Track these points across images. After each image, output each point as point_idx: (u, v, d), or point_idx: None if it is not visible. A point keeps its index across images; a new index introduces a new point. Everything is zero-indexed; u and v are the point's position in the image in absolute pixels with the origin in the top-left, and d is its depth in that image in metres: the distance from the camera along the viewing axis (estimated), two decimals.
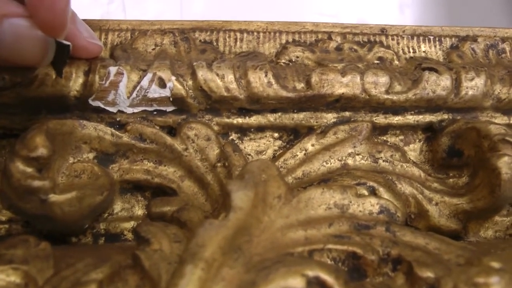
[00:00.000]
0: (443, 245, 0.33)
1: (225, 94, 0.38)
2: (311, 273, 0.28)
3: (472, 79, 0.41)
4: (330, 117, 0.40)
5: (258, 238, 0.31)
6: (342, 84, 0.39)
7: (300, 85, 0.38)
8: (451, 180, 0.41)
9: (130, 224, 0.38)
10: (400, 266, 0.32)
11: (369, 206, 0.35)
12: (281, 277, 0.28)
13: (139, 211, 0.39)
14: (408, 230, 0.34)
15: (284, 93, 0.38)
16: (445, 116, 0.41)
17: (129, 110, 0.38)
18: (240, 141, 0.40)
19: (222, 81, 0.38)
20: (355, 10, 0.60)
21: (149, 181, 0.38)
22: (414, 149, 0.42)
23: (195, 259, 0.28)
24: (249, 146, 0.40)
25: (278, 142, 0.40)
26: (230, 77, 0.38)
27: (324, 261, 0.30)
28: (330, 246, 0.32)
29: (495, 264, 0.30)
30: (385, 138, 0.41)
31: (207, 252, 0.28)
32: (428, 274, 0.31)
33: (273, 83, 0.38)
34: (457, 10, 0.62)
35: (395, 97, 0.39)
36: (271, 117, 0.39)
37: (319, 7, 0.56)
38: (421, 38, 0.44)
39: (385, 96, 0.39)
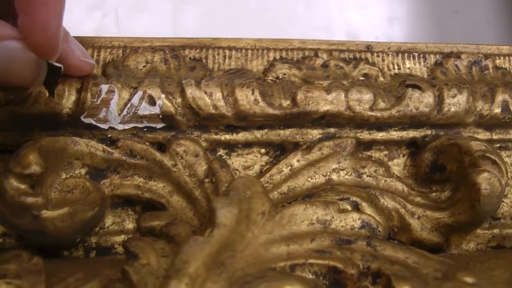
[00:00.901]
0: (422, 259, 0.34)
1: (213, 111, 0.39)
2: None
3: (454, 96, 0.42)
4: (315, 133, 0.41)
5: (241, 253, 0.32)
6: (327, 102, 0.40)
7: (286, 103, 0.40)
8: (434, 194, 0.42)
9: (121, 238, 0.39)
10: (379, 280, 0.33)
11: (351, 221, 0.36)
12: None
13: (130, 225, 0.40)
14: (389, 245, 0.35)
15: (270, 111, 0.39)
16: (428, 132, 0.42)
17: (120, 127, 0.39)
18: (228, 157, 0.41)
19: (210, 98, 0.39)
20: (344, 23, 0.61)
21: (139, 196, 0.39)
22: (398, 164, 0.43)
23: (180, 274, 0.29)
24: (236, 161, 0.41)
25: (265, 158, 0.41)
26: (218, 95, 0.39)
27: (305, 276, 0.31)
28: (311, 261, 0.33)
29: (469, 279, 0.31)
30: (369, 153, 0.43)
31: (191, 268, 0.29)
32: (406, 287, 0.32)
33: (260, 100, 0.39)
34: (445, 24, 0.63)
35: (379, 114, 0.40)
36: (258, 134, 0.40)
37: (309, 21, 0.57)
38: (405, 54, 0.45)
39: (369, 113, 0.40)
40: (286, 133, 0.41)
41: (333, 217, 0.35)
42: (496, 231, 0.42)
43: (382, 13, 0.62)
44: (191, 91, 0.39)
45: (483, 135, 0.44)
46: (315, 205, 0.35)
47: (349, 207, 0.38)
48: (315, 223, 0.35)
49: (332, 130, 0.41)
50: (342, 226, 0.35)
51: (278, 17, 0.57)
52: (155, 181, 0.39)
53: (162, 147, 0.40)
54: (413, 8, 0.64)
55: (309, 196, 0.39)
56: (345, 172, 0.40)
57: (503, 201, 0.44)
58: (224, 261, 0.31)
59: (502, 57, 0.47)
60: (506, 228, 0.43)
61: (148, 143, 0.40)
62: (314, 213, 0.35)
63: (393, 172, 0.42)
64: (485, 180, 0.38)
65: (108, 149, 0.39)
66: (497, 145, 0.45)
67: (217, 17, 0.57)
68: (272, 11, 0.58)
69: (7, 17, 0.36)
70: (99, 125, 0.39)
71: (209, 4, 0.59)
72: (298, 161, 0.40)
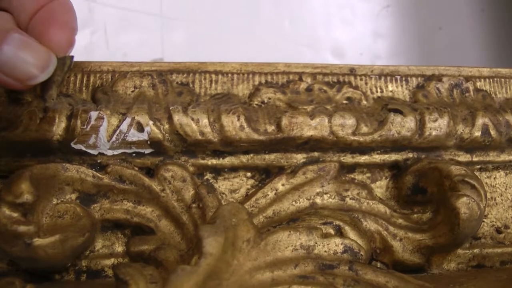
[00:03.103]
0: (402, 283, 0.36)
1: (200, 138, 0.40)
2: None
3: (435, 120, 0.43)
4: (299, 157, 0.42)
5: (227, 281, 0.33)
6: (310, 127, 0.41)
7: (271, 128, 0.41)
8: (415, 215, 0.43)
9: (111, 261, 0.40)
10: None
11: (334, 246, 0.37)
12: None
13: (119, 248, 0.41)
14: (370, 269, 0.36)
15: (255, 136, 0.40)
16: (410, 155, 0.44)
17: (109, 153, 0.40)
18: (215, 181, 0.42)
19: (197, 125, 0.40)
20: (330, 39, 0.62)
21: (129, 220, 0.40)
22: (381, 186, 0.44)
23: None
24: (223, 185, 0.42)
25: (251, 181, 0.42)
26: (204, 121, 0.40)
27: None
28: (295, 286, 0.34)
29: None
30: (353, 176, 0.44)
31: None
32: None
33: (245, 126, 0.40)
34: (429, 40, 0.65)
35: (361, 139, 0.42)
36: (244, 158, 0.41)
37: (295, 37, 0.58)
38: (388, 78, 0.46)
39: (352, 138, 0.42)
40: (271, 158, 0.42)
41: (316, 243, 0.36)
42: (476, 250, 0.44)
43: (367, 29, 0.64)
44: (178, 118, 0.40)
45: (464, 157, 0.45)
46: (299, 231, 0.37)
47: (332, 231, 0.39)
48: (298, 248, 0.36)
49: (316, 154, 0.42)
50: (325, 251, 0.37)
51: (264, 34, 0.58)
52: (144, 205, 0.40)
53: (150, 171, 0.41)
54: (397, 24, 0.65)
55: (293, 220, 0.40)
56: (328, 195, 0.42)
57: (483, 221, 0.45)
58: None
59: (482, 80, 0.48)
60: (486, 248, 0.44)
61: (137, 168, 0.41)
62: (298, 239, 0.36)
63: (376, 194, 0.44)
64: (464, 204, 0.39)
65: (98, 174, 0.40)
66: (477, 166, 0.46)
67: (205, 34, 0.58)
68: (259, 28, 0.59)
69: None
70: (89, 151, 0.40)
71: (197, 21, 0.60)
72: (283, 185, 0.41)
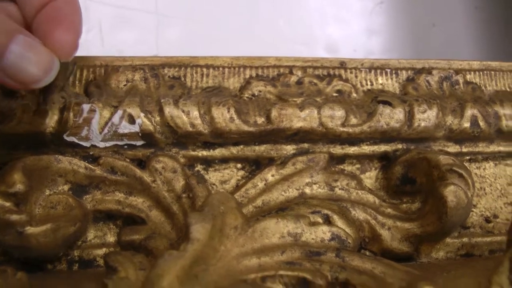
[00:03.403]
0: (388, 269, 0.36)
1: (190, 129, 0.41)
2: None
3: (424, 112, 0.44)
4: (289, 148, 0.43)
5: (214, 266, 0.34)
6: (300, 119, 0.41)
7: (260, 120, 0.41)
8: (404, 205, 0.43)
9: (102, 251, 0.41)
10: None
11: (321, 233, 0.37)
12: None
13: (111, 238, 0.41)
14: (357, 256, 0.37)
15: (245, 128, 0.41)
16: (400, 146, 0.44)
17: (102, 145, 0.41)
18: (206, 172, 0.43)
19: (187, 117, 0.40)
20: (324, 36, 0.62)
21: (120, 211, 0.41)
22: (370, 177, 0.45)
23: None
24: (213, 176, 0.43)
25: (241, 172, 0.43)
26: (195, 113, 0.41)
27: (275, 287, 0.33)
28: (281, 272, 0.35)
29: None
30: (342, 167, 0.44)
31: (165, 281, 0.31)
32: None
33: (235, 118, 0.41)
34: (423, 37, 0.65)
35: (350, 130, 0.42)
36: (234, 150, 0.42)
37: (290, 35, 0.59)
38: (378, 71, 0.47)
39: (341, 129, 0.42)
40: (261, 149, 0.42)
41: (303, 230, 0.37)
42: (465, 239, 0.44)
43: (360, 26, 0.64)
44: (169, 110, 0.40)
45: (453, 148, 0.45)
46: (286, 219, 0.37)
47: (320, 220, 0.39)
48: (286, 236, 0.36)
49: (305, 145, 0.43)
50: (313, 239, 0.37)
51: (259, 32, 0.59)
52: (135, 196, 0.41)
53: (142, 163, 0.42)
54: (391, 21, 0.65)
55: (282, 209, 0.40)
56: (317, 185, 0.42)
57: (472, 211, 0.45)
58: (197, 274, 0.32)
59: (472, 72, 0.49)
60: (475, 237, 0.44)
61: (128, 160, 0.41)
62: (285, 226, 0.37)
63: (365, 185, 0.44)
64: (451, 193, 0.40)
65: (90, 166, 0.41)
66: (467, 157, 0.46)
67: (200, 32, 0.59)
68: (253, 26, 0.60)
69: None
70: (81, 143, 0.41)
71: (193, 19, 0.61)
72: (272, 175, 0.42)
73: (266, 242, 0.36)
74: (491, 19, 0.66)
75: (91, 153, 0.41)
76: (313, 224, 0.37)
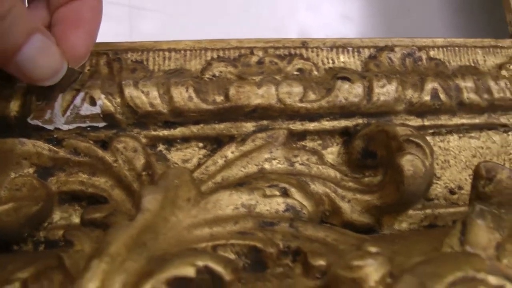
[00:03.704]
0: (341, 237, 0.37)
1: (150, 109, 0.41)
2: (201, 263, 0.31)
3: (383, 86, 0.44)
4: (249, 126, 0.43)
5: (164, 235, 0.34)
6: (258, 96, 0.42)
7: (219, 98, 0.42)
8: (367, 179, 0.44)
9: None
10: (299, 258, 0.35)
11: (276, 205, 0.38)
12: (174, 267, 0.31)
13: (76, 219, 0.42)
14: (310, 225, 0.37)
15: (204, 106, 0.42)
16: (360, 121, 0.45)
17: (65, 127, 0.42)
18: (168, 152, 0.43)
19: (147, 97, 0.41)
20: (296, 23, 0.63)
21: (84, 191, 0.42)
22: (332, 152, 0.45)
23: (101, 254, 0.31)
24: (176, 155, 0.43)
25: (203, 151, 0.44)
26: (154, 93, 0.42)
27: (221, 254, 0.34)
28: (233, 241, 0.35)
29: (373, 249, 0.33)
30: (304, 143, 0.45)
31: (112, 248, 0.32)
32: (320, 262, 0.34)
33: (194, 97, 0.42)
34: (397, 22, 0.66)
35: (309, 105, 0.43)
36: (194, 129, 0.43)
37: (261, 22, 0.60)
38: (340, 49, 0.47)
39: (299, 105, 0.43)
40: (221, 127, 0.43)
41: (257, 202, 0.37)
42: (428, 211, 0.44)
43: (334, 12, 0.65)
44: (129, 91, 0.41)
45: (415, 121, 0.46)
46: (240, 191, 0.38)
47: (277, 193, 0.40)
48: (240, 207, 0.37)
49: (265, 122, 0.43)
50: (267, 210, 0.38)
51: (231, 20, 0.60)
52: (98, 176, 0.42)
53: (105, 144, 0.43)
54: (365, 6, 0.66)
55: (241, 184, 0.41)
56: (277, 161, 0.43)
57: (436, 183, 0.46)
58: (146, 242, 0.33)
59: (436, 49, 0.49)
60: (438, 208, 0.45)
61: (91, 142, 0.42)
62: (239, 198, 0.37)
63: (327, 160, 0.44)
64: (408, 162, 0.40)
65: (54, 148, 0.42)
66: (430, 131, 0.47)
67: (174, 24, 0.60)
68: (225, 15, 0.61)
69: None
70: (45, 126, 0.42)
71: (165, 11, 0.62)
72: (232, 152, 0.42)
73: (219, 213, 0.37)
74: (466, 4, 0.66)
75: (55, 135, 0.42)
76: (268, 196, 0.38)
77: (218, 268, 0.32)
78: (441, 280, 0.30)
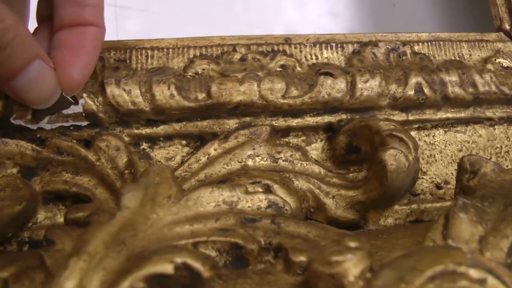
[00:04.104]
0: (323, 232, 0.37)
1: (132, 107, 0.41)
2: (179, 259, 0.31)
3: (366, 81, 0.44)
4: (232, 123, 0.43)
5: (144, 233, 0.34)
6: (240, 92, 0.42)
7: (201, 95, 0.42)
8: (351, 175, 0.44)
9: None
10: (280, 254, 0.35)
11: (258, 201, 0.38)
12: (152, 264, 0.31)
13: (61, 219, 0.42)
14: (292, 221, 0.37)
15: (186, 103, 0.42)
16: (344, 116, 0.44)
17: (48, 127, 0.42)
18: (151, 150, 0.43)
19: (128, 95, 0.41)
20: (283, 20, 0.63)
21: (68, 190, 0.42)
22: (316, 148, 0.45)
23: (79, 252, 0.31)
24: (159, 154, 0.43)
25: (186, 149, 0.44)
26: (136, 91, 0.41)
27: (200, 251, 0.34)
28: (214, 238, 0.35)
29: (352, 244, 0.33)
30: (287, 140, 0.45)
31: (90, 246, 0.32)
32: (301, 258, 0.34)
33: (176, 95, 0.41)
34: (383, 17, 0.65)
35: (291, 101, 0.43)
36: (177, 126, 0.43)
37: (247, 19, 0.59)
38: (323, 45, 0.47)
39: (282, 101, 0.43)
40: (203, 124, 0.43)
41: (239, 198, 0.37)
42: (414, 206, 0.44)
43: (321, 9, 0.65)
44: (111, 90, 0.41)
45: (399, 116, 0.46)
46: (222, 187, 0.37)
47: (260, 189, 0.40)
48: (221, 204, 0.37)
49: (247, 119, 0.43)
50: (249, 207, 0.37)
51: (216, 18, 0.60)
52: (81, 175, 0.42)
53: (88, 143, 0.42)
54: (352, 2, 0.66)
55: (224, 181, 0.41)
56: (260, 157, 0.43)
57: (422, 178, 0.45)
58: (125, 240, 0.33)
59: (421, 43, 0.49)
60: (424, 203, 0.44)
61: (74, 141, 0.42)
62: (220, 195, 0.37)
63: (311, 156, 0.44)
64: (391, 156, 0.40)
65: (37, 148, 0.42)
66: (415, 125, 0.47)
67: (159, 23, 0.60)
68: (210, 13, 0.61)
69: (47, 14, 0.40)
70: (28, 126, 0.41)
71: (151, 10, 0.62)
72: (215, 149, 0.42)
73: (200, 210, 0.37)
74: None
75: (38, 135, 0.42)
76: (250, 192, 0.38)
77: (196, 264, 0.32)
78: (420, 274, 0.30)
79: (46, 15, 0.41)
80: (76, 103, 0.41)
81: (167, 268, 0.31)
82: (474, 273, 0.30)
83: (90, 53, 0.40)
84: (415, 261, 0.31)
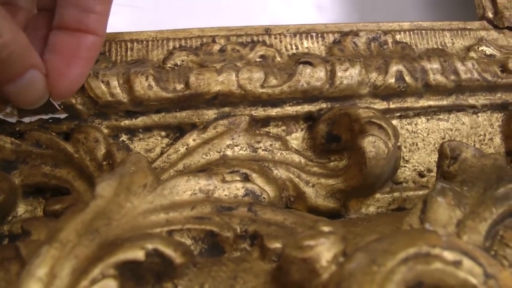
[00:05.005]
0: (299, 219, 0.36)
1: (110, 99, 0.41)
2: (150, 246, 0.31)
3: (346, 70, 0.44)
4: (211, 113, 0.43)
5: (118, 221, 0.34)
6: (218, 82, 0.42)
7: (180, 86, 0.42)
8: (332, 163, 0.44)
9: None
10: (256, 241, 0.35)
11: (235, 190, 0.38)
12: (123, 251, 0.31)
13: (41, 212, 0.42)
14: (269, 209, 0.37)
15: (164, 94, 0.41)
16: (324, 105, 0.44)
17: (27, 120, 0.42)
18: (130, 142, 0.43)
19: (107, 87, 0.41)
20: (268, 14, 0.63)
21: (47, 183, 0.42)
22: (297, 138, 0.45)
23: (52, 240, 0.31)
24: (138, 145, 0.43)
25: (166, 140, 0.43)
26: (114, 83, 0.41)
27: (173, 238, 0.33)
28: (189, 226, 0.35)
29: (325, 228, 0.33)
30: (267, 129, 0.44)
31: (62, 234, 0.32)
32: (276, 245, 0.34)
33: (154, 86, 0.41)
34: (371, 8, 0.65)
35: (270, 90, 0.42)
36: (156, 117, 0.43)
37: (232, 14, 0.59)
38: (304, 35, 0.47)
39: (261, 90, 0.42)
40: (182, 115, 0.43)
41: (216, 187, 0.37)
42: (396, 194, 0.44)
43: (306, 2, 0.64)
44: (89, 81, 0.41)
45: (380, 105, 0.45)
46: (198, 176, 0.37)
47: (238, 178, 0.39)
48: (197, 193, 0.37)
49: (226, 109, 0.43)
50: (226, 195, 0.37)
51: (200, 12, 0.60)
52: (60, 168, 0.42)
53: (68, 136, 0.42)
54: None
55: (202, 171, 0.40)
56: (239, 147, 0.42)
57: (405, 166, 0.45)
58: (98, 228, 0.33)
59: (403, 33, 0.49)
60: (407, 191, 0.44)
61: (54, 133, 0.42)
62: (197, 183, 0.37)
63: (291, 146, 0.44)
64: (370, 143, 0.40)
65: (16, 141, 0.42)
66: (397, 114, 0.46)
67: (146, 18, 0.60)
68: (194, 7, 0.61)
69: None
70: (7, 119, 0.42)
71: (138, 5, 0.62)
72: (194, 140, 0.42)
73: (176, 199, 0.36)
74: None
75: (17, 128, 0.42)
76: (227, 181, 0.38)
77: (168, 251, 0.32)
78: (392, 256, 0.29)
79: (47, 7, 0.40)
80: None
81: (138, 254, 0.31)
82: (448, 255, 0.29)
83: (84, 65, 0.39)
84: (388, 244, 0.30)
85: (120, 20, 0.59)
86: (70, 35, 0.38)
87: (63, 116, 0.42)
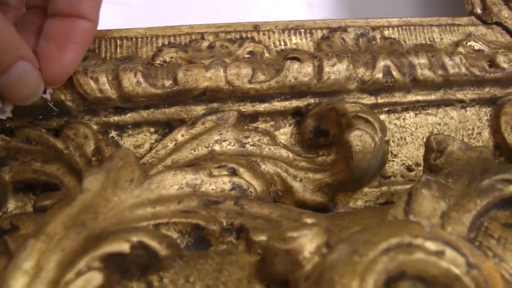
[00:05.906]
0: (285, 212, 0.37)
1: (99, 95, 0.42)
2: (135, 238, 0.32)
3: (333, 65, 0.44)
4: (199, 109, 0.43)
5: (105, 215, 0.34)
6: (206, 78, 0.42)
7: (168, 82, 0.42)
8: (320, 158, 0.44)
9: None
10: (242, 234, 0.35)
11: (222, 184, 0.38)
12: (108, 244, 0.31)
13: (31, 208, 0.42)
14: (256, 203, 0.37)
15: (152, 90, 0.42)
16: (312, 101, 0.45)
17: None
18: (120, 138, 0.44)
19: (96, 83, 0.42)
20: (259, 11, 0.63)
21: (37, 179, 0.42)
22: (285, 133, 0.45)
23: (38, 234, 0.31)
24: (128, 141, 0.44)
25: (155, 136, 0.44)
26: (103, 79, 0.42)
27: (158, 231, 0.34)
28: (175, 219, 0.35)
29: (308, 220, 0.34)
30: (256, 125, 0.45)
31: (49, 227, 0.32)
32: (262, 237, 0.34)
33: (142, 82, 0.42)
34: (364, 6, 0.66)
35: (258, 86, 0.43)
36: (145, 113, 0.43)
37: (222, 10, 0.60)
38: (292, 31, 0.47)
39: (248, 86, 0.43)
40: (171, 111, 0.43)
41: (203, 181, 0.38)
42: (384, 188, 0.44)
43: None
44: (78, 78, 0.42)
45: (368, 100, 0.46)
46: (185, 171, 0.38)
47: (225, 173, 0.40)
48: (184, 187, 0.37)
49: (215, 105, 0.43)
50: (212, 189, 0.38)
51: (193, 10, 0.60)
52: (50, 164, 0.42)
53: (58, 133, 0.43)
54: None
55: (190, 166, 0.41)
56: (227, 143, 0.43)
57: (393, 160, 0.46)
58: (85, 222, 0.33)
59: (391, 28, 0.49)
60: (395, 185, 0.44)
61: (43, 130, 0.42)
62: (184, 178, 0.37)
63: (280, 141, 0.44)
64: (356, 137, 0.40)
65: (6, 137, 0.42)
66: (385, 109, 0.47)
67: (138, 17, 0.61)
68: (187, 4, 0.61)
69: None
70: None
71: (131, 4, 0.62)
72: (182, 135, 0.43)
73: (163, 193, 0.37)
74: None
75: (7, 125, 0.42)
76: (214, 175, 0.38)
77: (152, 243, 0.32)
78: (374, 247, 0.30)
79: (39, 4, 0.41)
80: (44, 92, 0.41)
81: (123, 247, 0.31)
82: (431, 245, 0.30)
83: (77, 49, 0.39)
84: (370, 235, 0.31)
85: (110, 18, 0.60)
86: (63, 21, 0.39)
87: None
